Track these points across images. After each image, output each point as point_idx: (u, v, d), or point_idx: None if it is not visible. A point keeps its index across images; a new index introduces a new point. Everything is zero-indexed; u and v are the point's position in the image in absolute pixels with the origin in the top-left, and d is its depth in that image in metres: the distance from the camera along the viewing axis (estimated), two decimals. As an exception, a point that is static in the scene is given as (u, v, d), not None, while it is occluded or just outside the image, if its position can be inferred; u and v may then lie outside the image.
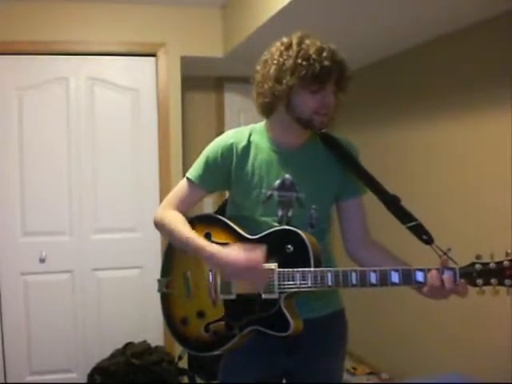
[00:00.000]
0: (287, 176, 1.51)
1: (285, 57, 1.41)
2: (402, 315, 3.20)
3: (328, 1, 2.27)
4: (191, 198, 1.59)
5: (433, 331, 2.92)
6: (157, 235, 3.31)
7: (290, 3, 2.29)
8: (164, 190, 3.27)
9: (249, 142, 1.54)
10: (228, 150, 1.53)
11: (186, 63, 3.36)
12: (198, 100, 3.95)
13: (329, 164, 1.54)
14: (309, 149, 1.55)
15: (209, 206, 3.48)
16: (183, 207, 1.58)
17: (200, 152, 1.61)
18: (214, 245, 1.44)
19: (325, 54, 1.38)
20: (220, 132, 1.67)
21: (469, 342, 2.63)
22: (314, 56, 1.38)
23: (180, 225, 1.51)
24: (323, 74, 1.38)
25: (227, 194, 1.67)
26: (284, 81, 1.40)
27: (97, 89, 3.22)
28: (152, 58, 3.29)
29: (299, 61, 1.38)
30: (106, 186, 3.24)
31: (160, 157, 3.29)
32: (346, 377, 3.22)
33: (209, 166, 1.55)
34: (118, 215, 3.26)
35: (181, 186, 1.61)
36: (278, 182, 1.50)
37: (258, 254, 1.36)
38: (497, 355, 2.41)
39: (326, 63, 1.37)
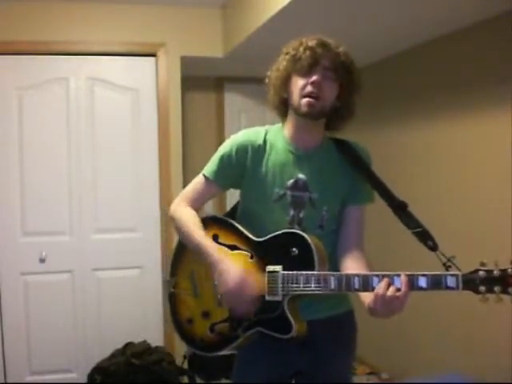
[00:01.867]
0: (301, 176, 1.52)
1: (284, 50, 1.53)
2: (402, 315, 3.19)
3: (328, 1, 2.27)
4: (205, 194, 1.63)
5: (433, 331, 2.92)
6: (157, 235, 3.32)
7: (290, 3, 2.29)
8: (164, 190, 3.27)
9: (264, 142, 1.56)
10: (243, 149, 1.55)
11: (186, 63, 3.36)
12: (198, 100, 3.95)
13: (341, 167, 1.56)
14: (323, 151, 1.57)
15: (209, 207, 3.48)
16: (197, 203, 1.62)
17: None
18: (220, 254, 1.46)
19: (314, 40, 1.46)
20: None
21: (469, 342, 2.63)
22: (302, 41, 1.48)
23: (195, 228, 1.53)
24: (308, 55, 1.44)
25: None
26: (280, 67, 1.51)
27: (97, 89, 3.22)
28: (152, 58, 3.28)
29: (290, 49, 1.50)
30: (106, 186, 3.23)
31: (160, 157, 3.29)
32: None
33: (223, 163, 1.57)
34: (118, 215, 3.26)
35: (196, 182, 1.63)
36: (291, 181, 1.52)
37: (250, 287, 1.41)
38: (497, 355, 2.41)
39: (311, 44, 1.45)
